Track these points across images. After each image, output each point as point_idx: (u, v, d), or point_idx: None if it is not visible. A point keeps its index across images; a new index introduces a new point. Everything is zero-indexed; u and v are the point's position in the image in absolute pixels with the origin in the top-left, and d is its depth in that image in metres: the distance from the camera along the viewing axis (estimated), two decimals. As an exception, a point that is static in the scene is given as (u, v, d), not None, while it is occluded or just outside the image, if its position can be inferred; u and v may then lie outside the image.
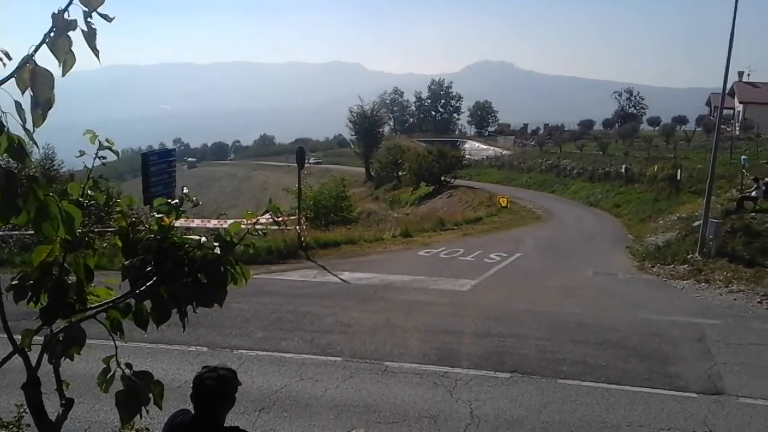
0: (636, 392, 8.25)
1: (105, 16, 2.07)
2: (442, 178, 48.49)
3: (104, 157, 2.55)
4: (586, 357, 9.64)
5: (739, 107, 58.62)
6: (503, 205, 35.74)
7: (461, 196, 43.54)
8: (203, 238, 2.56)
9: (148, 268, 2.57)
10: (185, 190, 2.92)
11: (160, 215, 2.63)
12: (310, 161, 67.56)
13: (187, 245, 2.55)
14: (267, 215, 2.82)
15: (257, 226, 2.70)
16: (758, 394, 8.20)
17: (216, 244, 2.55)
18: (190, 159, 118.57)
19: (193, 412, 2.97)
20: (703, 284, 15.19)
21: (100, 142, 2.49)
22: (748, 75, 62.31)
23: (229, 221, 2.99)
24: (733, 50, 16.77)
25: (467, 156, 59.30)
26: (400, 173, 58.13)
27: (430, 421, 7.27)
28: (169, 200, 2.64)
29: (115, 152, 2.60)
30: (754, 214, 18.55)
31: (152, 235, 2.62)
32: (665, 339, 10.64)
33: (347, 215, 33.45)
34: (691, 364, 9.39)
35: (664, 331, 11.09)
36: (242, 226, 2.76)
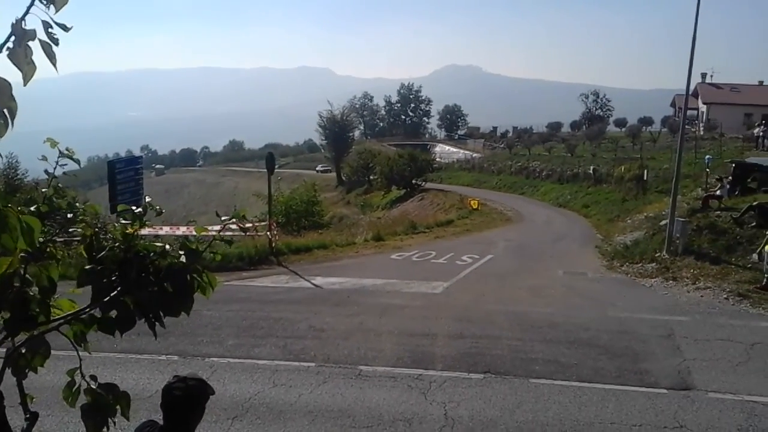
0: (607, 390, 8.35)
1: (63, 26, 2.04)
2: (414, 181, 48.69)
3: (65, 165, 2.50)
4: (557, 356, 9.73)
5: (703, 108, 59.95)
6: (474, 207, 35.97)
7: (432, 199, 43.74)
8: (168, 247, 2.52)
9: (113, 278, 2.52)
10: (148, 199, 2.87)
11: (124, 223, 2.58)
12: (317, 169, 70.86)
13: (152, 254, 2.51)
14: (233, 222, 2.78)
15: (224, 234, 2.66)
16: (726, 389, 8.36)
17: (181, 252, 2.51)
18: (157, 166, 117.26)
19: (161, 422, 2.92)
20: (671, 282, 15.45)
21: (60, 150, 2.44)
22: (711, 76, 63.80)
23: (202, 227, 2.94)
24: (696, 52, 17.10)
25: (438, 159, 59.66)
26: (371, 177, 58.19)
27: (405, 424, 7.27)
28: (133, 208, 2.59)
29: (76, 161, 2.56)
30: (718, 212, 18.92)
31: (116, 244, 2.57)
32: (635, 336, 10.80)
33: (319, 220, 33.34)
34: (660, 361, 9.53)
35: (634, 329, 11.25)
36: (209, 233, 2.73)
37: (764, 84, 64.27)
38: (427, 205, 42.89)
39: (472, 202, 36.89)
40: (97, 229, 2.64)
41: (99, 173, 75.48)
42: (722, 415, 7.56)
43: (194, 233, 2.72)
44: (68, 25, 2.07)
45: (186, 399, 2.84)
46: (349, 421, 7.36)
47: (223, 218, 2.71)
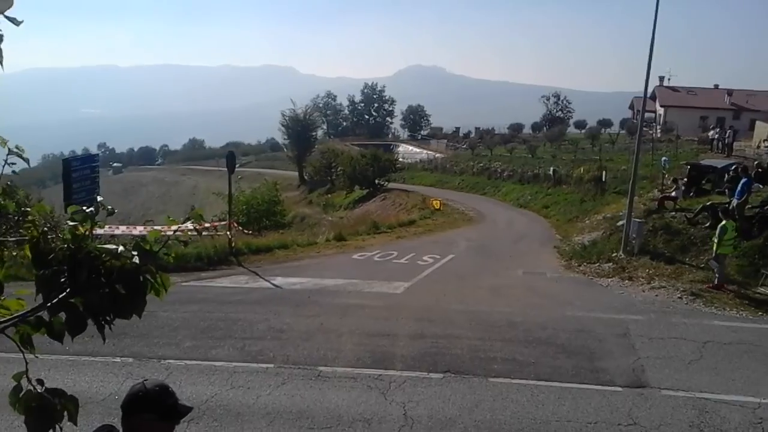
0: (564, 388, 8.49)
1: (13, 20, 1.98)
2: (376, 181, 48.70)
3: (14, 164, 2.43)
4: (516, 355, 9.86)
5: (660, 111, 61.51)
6: (436, 207, 36.15)
7: (395, 199, 43.82)
8: (121, 247, 2.47)
9: (62, 279, 2.46)
10: (100, 198, 2.81)
11: (74, 223, 2.52)
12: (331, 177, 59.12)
13: (103, 255, 2.46)
14: (190, 223, 2.74)
15: (180, 234, 2.62)
16: (679, 386, 8.58)
17: (134, 253, 2.46)
18: (115, 164, 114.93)
19: (118, 427, 2.86)
20: (627, 281, 15.77)
21: (9, 148, 2.37)
22: (669, 79, 65.54)
23: (156, 227, 2.87)
24: (654, 55, 17.48)
25: (401, 159, 59.75)
26: (333, 177, 58.01)
27: (364, 424, 7.27)
28: (83, 208, 2.53)
29: (26, 159, 2.48)
30: (674, 213, 19.41)
31: (66, 245, 2.50)
32: (591, 335, 11.00)
33: (280, 220, 33.08)
34: (616, 359, 9.73)
35: (591, 328, 11.46)
36: (164, 233, 2.68)
37: (719, 88, 66.21)
38: (390, 205, 42.95)
39: (434, 203, 37.08)
40: (45, 229, 2.57)
41: (54, 171, 73.64)
42: (675, 412, 7.76)
43: (152, 229, 2.66)
44: (19, 19, 2.01)
45: (140, 401, 2.78)
46: (308, 422, 7.33)
47: (179, 220, 2.67)
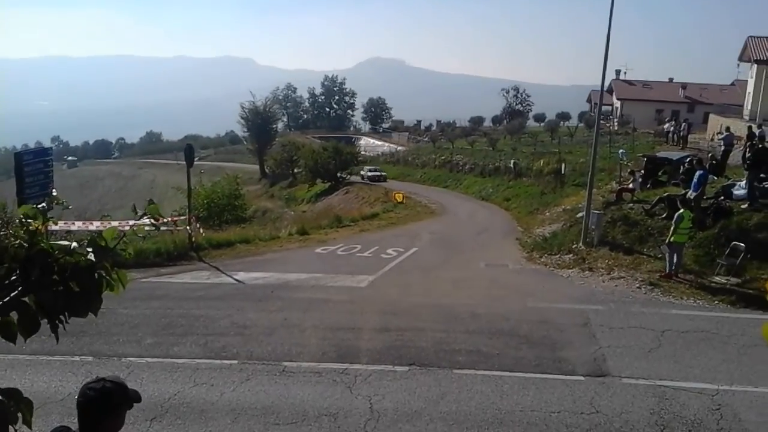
0: (527, 378, 8.58)
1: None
2: (339, 174, 48.52)
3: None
4: (480, 346, 9.92)
5: (617, 104, 62.69)
6: (399, 200, 36.20)
7: (358, 193, 43.77)
8: (75, 244, 2.36)
9: (14, 278, 2.34)
10: (54, 193, 2.69)
11: (27, 220, 2.40)
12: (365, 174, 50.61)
13: (56, 252, 2.34)
14: (148, 217, 2.63)
15: (136, 229, 2.52)
16: (639, 374, 8.74)
17: (89, 249, 2.35)
18: (70, 158, 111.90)
19: (74, 428, 2.76)
20: (587, 272, 16.01)
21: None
22: (625, 73, 66.85)
23: (114, 223, 2.76)
24: (610, 49, 17.77)
25: (363, 152, 59.65)
26: (295, 170, 57.61)
27: (330, 419, 7.22)
28: (36, 206, 2.41)
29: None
30: (631, 204, 19.77)
31: (18, 242, 2.38)
32: (553, 326, 11.14)
33: (241, 214, 32.69)
34: (577, 349, 9.87)
35: (552, 318, 11.60)
36: (121, 230, 2.57)
37: (674, 81, 67.72)
38: (352, 198, 42.88)
39: (396, 196, 37.12)
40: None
41: (6, 166, 71.24)
42: (635, 399, 7.90)
43: (109, 227, 2.55)
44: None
45: (99, 400, 2.68)
46: (273, 418, 7.24)
47: (138, 213, 2.56)
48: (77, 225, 19.95)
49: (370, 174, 49.81)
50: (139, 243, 15.96)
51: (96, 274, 2.38)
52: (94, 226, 19.53)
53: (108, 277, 2.42)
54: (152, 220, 2.63)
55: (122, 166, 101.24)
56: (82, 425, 2.71)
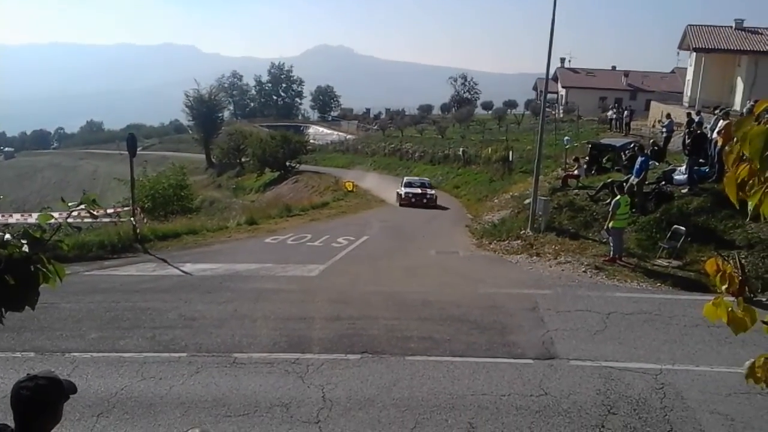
0: (478, 363, 8.66)
1: None
2: (288, 163, 48.11)
3: None
4: (432, 333, 9.97)
5: (562, 91, 63.85)
6: (350, 189, 36.14)
7: (307, 182, 43.47)
8: (8, 236, 2.25)
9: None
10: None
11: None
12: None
13: (-12, 244, 2.22)
14: (83, 209, 2.52)
15: (73, 220, 2.41)
16: (586, 356, 8.94)
17: (24, 241, 2.24)
18: (6, 149, 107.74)
19: (12, 426, 2.65)
20: (535, 258, 16.28)
21: None
22: (569, 61, 68.08)
23: (55, 214, 2.64)
24: (555, 39, 18.01)
25: (312, 141, 59.31)
26: (243, 159, 56.82)
27: (282, 409, 7.15)
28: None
29: None
30: (577, 190, 20.20)
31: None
32: (503, 311, 11.28)
33: (188, 204, 32.05)
34: (526, 333, 10.03)
35: (502, 304, 11.75)
36: (54, 220, 2.46)
37: (617, 69, 69.36)
38: (302, 187, 42.58)
39: (347, 184, 37.03)
40: None
41: (-65, 157, 68.15)
42: (582, 381, 8.08)
43: (43, 213, 2.44)
44: None
45: (34, 399, 2.58)
46: (224, 410, 7.12)
47: (70, 204, 2.45)
48: (15, 218, 19.22)
49: (410, 191, 31.30)
50: (80, 236, 15.52)
51: (32, 267, 2.28)
52: (33, 218, 18.81)
53: (44, 270, 2.31)
54: (89, 212, 2.53)
55: (62, 156, 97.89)
56: (19, 425, 2.62)
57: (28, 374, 2.68)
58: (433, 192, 31.24)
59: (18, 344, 9.02)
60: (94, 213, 2.64)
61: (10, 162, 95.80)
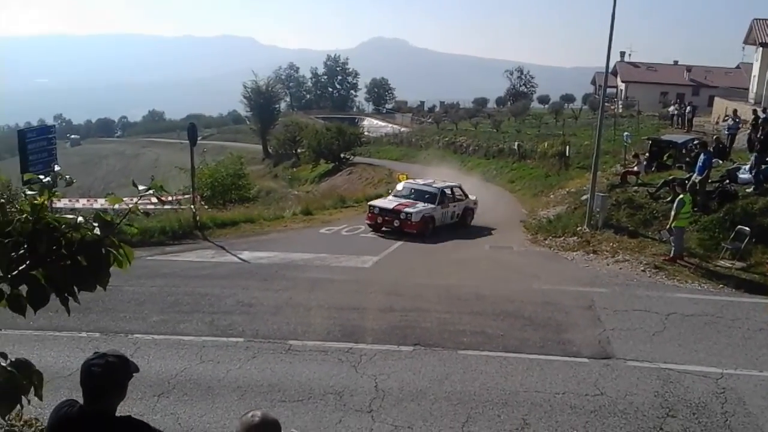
0: (532, 359, 8.58)
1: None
2: (342, 155, 48.33)
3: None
4: (484, 327, 9.91)
5: (622, 86, 62.15)
6: (403, 181, 36.07)
7: (361, 173, 43.63)
8: (80, 219, 2.34)
9: (21, 251, 2.32)
10: (57, 168, 2.66)
11: (32, 194, 2.38)
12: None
13: (63, 226, 2.32)
14: (151, 194, 2.60)
15: (140, 206, 2.48)
16: (643, 357, 8.74)
17: (95, 224, 2.33)
18: (73, 136, 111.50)
19: (81, 402, 2.77)
20: (592, 255, 15.93)
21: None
22: (629, 55, 66.18)
23: (125, 200, 2.75)
24: (615, 31, 17.53)
25: (366, 133, 59.40)
26: (298, 150, 57.41)
27: (336, 397, 7.24)
28: (41, 177, 2.38)
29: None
30: (636, 187, 19.67)
31: (24, 216, 2.36)
32: (558, 308, 11.12)
33: (245, 194, 32.63)
34: (582, 331, 9.86)
35: (557, 301, 11.58)
36: (124, 206, 2.54)
37: (679, 64, 67.09)
38: (356, 179, 42.76)
39: (400, 176, 36.98)
40: (2, 201, 2.43)
41: (9, 143, 71.07)
42: (640, 382, 7.90)
43: (115, 207, 2.53)
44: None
45: (104, 376, 2.69)
46: (280, 395, 7.26)
47: (140, 188, 2.53)
48: (81, 202, 19.97)
49: (381, 205, 20.33)
50: (143, 221, 16.01)
51: (103, 249, 2.36)
52: (99, 203, 19.53)
53: (115, 252, 2.40)
54: (156, 197, 2.61)
55: (125, 144, 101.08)
56: (88, 400, 2.73)
57: (95, 352, 2.79)
58: (428, 211, 19.61)
59: (84, 325, 9.38)
60: (162, 199, 2.72)
61: (76, 149, 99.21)
